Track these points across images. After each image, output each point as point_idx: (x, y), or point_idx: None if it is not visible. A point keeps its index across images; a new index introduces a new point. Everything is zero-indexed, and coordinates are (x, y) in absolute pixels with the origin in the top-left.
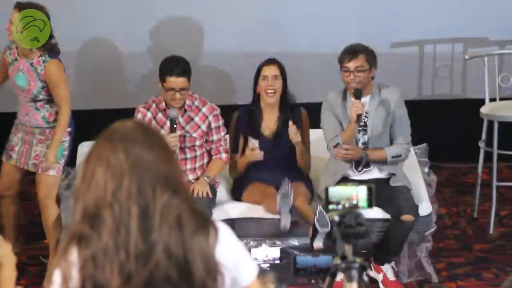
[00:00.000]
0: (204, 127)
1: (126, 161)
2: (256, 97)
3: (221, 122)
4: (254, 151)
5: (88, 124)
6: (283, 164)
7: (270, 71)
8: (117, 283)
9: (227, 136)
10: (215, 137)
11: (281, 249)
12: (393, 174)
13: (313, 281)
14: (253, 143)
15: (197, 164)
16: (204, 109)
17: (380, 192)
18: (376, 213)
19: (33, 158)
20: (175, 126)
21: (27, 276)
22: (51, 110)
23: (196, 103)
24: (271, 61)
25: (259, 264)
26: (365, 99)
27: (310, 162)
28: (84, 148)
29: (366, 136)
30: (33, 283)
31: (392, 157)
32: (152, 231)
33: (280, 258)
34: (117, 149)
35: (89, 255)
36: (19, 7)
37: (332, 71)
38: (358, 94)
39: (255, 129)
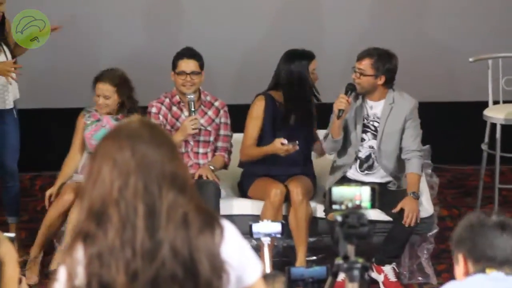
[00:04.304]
0: (217, 120)
1: (133, 159)
2: (275, 84)
3: (229, 120)
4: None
5: None
6: (291, 157)
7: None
8: (123, 281)
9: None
10: (222, 132)
11: (282, 224)
12: (398, 178)
13: None
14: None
15: (208, 160)
16: (216, 103)
17: (380, 197)
18: (378, 215)
19: None
20: (193, 109)
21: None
22: None
23: (208, 98)
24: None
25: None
26: (377, 103)
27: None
28: None
29: (375, 141)
30: None
31: (421, 170)
32: (158, 229)
33: (282, 232)
34: (124, 147)
35: (95, 253)
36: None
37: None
38: (348, 89)
39: (282, 120)
